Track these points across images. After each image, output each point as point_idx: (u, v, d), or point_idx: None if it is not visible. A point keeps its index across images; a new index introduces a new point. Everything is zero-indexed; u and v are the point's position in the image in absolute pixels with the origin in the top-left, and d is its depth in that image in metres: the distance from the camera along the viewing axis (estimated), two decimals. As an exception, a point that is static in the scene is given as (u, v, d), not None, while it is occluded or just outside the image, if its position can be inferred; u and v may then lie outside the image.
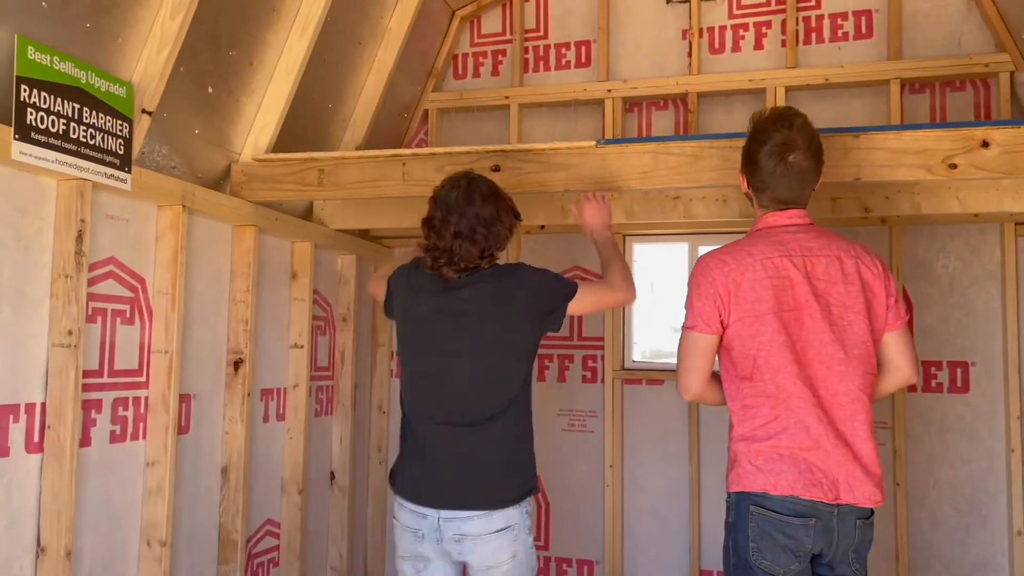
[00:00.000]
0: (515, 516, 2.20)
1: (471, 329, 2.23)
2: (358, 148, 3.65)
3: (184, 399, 2.73)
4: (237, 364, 2.97)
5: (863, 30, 3.68)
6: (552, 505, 3.92)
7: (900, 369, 2.10)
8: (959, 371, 3.48)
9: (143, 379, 2.58)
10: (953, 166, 2.47)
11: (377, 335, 4.10)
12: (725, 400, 2.13)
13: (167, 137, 2.70)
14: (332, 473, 3.72)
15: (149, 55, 2.45)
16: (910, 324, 2.40)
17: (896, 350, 2.09)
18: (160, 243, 2.63)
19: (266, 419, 3.22)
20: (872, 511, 2.00)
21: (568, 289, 2.34)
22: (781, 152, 2.06)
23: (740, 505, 2.00)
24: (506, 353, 2.24)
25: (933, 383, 3.50)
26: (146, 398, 2.59)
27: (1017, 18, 3.30)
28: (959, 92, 3.58)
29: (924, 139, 2.50)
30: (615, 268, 2.49)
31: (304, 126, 3.31)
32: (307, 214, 3.50)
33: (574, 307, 2.34)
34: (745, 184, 2.20)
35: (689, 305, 2.10)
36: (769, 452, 1.97)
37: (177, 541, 2.67)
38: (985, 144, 2.46)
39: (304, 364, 3.35)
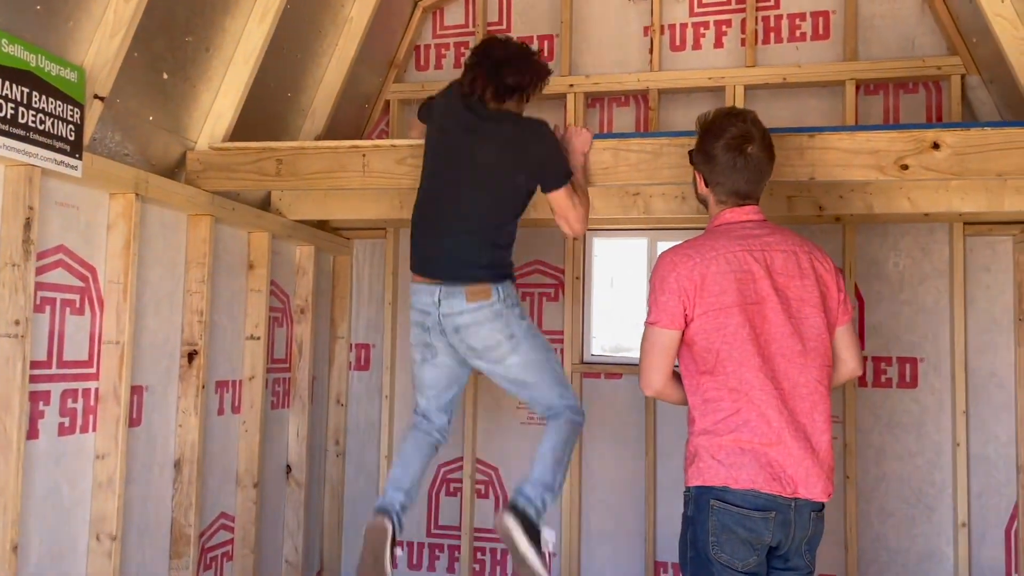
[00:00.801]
0: (497, 303, 2.50)
1: (485, 158, 2.55)
2: (317, 138, 3.61)
3: (136, 391, 2.68)
4: (191, 355, 2.92)
5: (820, 31, 3.74)
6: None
7: (846, 362, 2.17)
8: (908, 367, 3.56)
9: (93, 370, 2.53)
10: (905, 167, 2.53)
11: (336, 327, 4.07)
12: (685, 399, 2.15)
13: (120, 123, 2.64)
14: (288, 466, 3.68)
15: (102, 39, 2.39)
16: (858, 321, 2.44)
17: (844, 344, 2.15)
18: (112, 232, 2.58)
19: (221, 411, 3.18)
20: (823, 504, 2.04)
21: (561, 178, 2.55)
22: (739, 144, 2.11)
23: (700, 499, 2.02)
24: (504, 182, 2.56)
25: (883, 378, 3.58)
26: (96, 390, 2.54)
27: (969, 22, 3.38)
28: (912, 94, 3.66)
29: (877, 140, 2.55)
30: (583, 200, 2.62)
31: (262, 115, 3.26)
32: (265, 204, 3.46)
33: (551, 195, 2.56)
34: (702, 183, 2.21)
35: (653, 301, 2.11)
36: (731, 446, 1.99)
37: (128, 535, 2.62)
38: (936, 146, 2.52)
39: (260, 356, 3.32)
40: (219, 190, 3.02)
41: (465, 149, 2.58)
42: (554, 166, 2.55)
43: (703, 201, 2.26)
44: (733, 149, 2.12)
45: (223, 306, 3.16)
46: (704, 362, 2.05)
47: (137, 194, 2.59)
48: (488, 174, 2.56)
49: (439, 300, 2.53)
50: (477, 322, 2.50)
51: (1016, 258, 3.44)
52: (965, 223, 3.49)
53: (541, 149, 2.55)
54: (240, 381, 3.29)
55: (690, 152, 2.27)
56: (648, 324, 2.12)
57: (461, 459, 3.96)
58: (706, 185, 2.20)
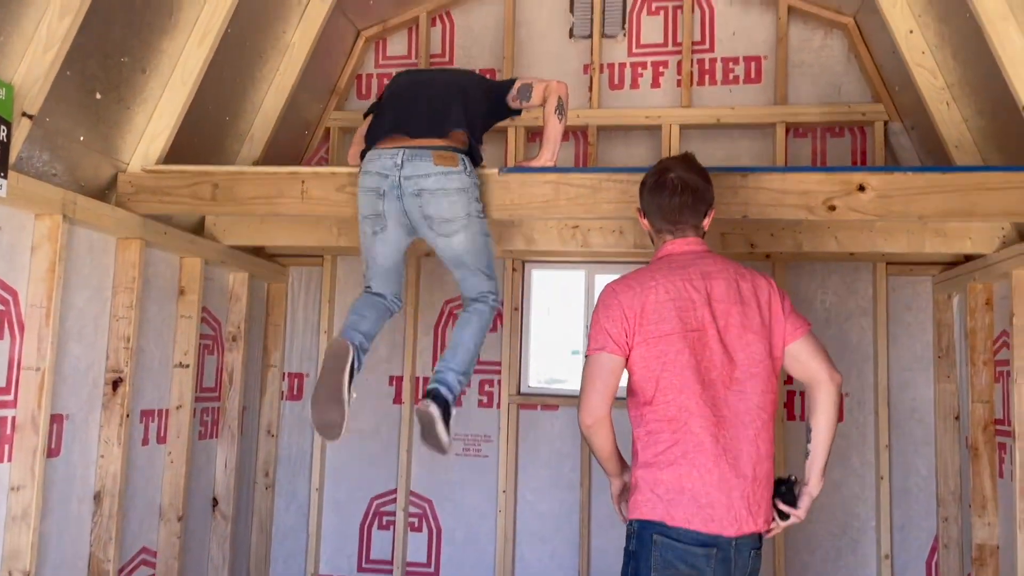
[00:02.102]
0: (464, 176, 2.58)
1: (445, 78, 2.85)
2: (255, 163, 3.56)
3: (56, 419, 2.57)
4: (116, 383, 2.82)
5: (752, 75, 3.87)
6: (444, 531, 3.89)
7: (817, 372, 2.11)
8: (834, 401, 3.66)
9: (11, 397, 2.42)
10: (832, 207, 2.63)
11: (268, 355, 3.99)
12: (613, 449, 2.13)
13: (49, 143, 2.56)
14: (215, 499, 3.57)
15: (33, 56, 2.33)
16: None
17: (808, 355, 2.11)
18: (36, 254, 2.48)
19: (145, 442, 3.07)
20: (762, 542, 2.05)
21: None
22: (661, 172, 2.22)
23: (643, 533, 2.00)
24: (464, 92, 2.75)
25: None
26: (13, 418, 2.42)
27: (891, 71, 3.54)
28: (839, 138, 3.81)
29: (806, 181, 2.65)
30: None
31: (198, 138, 3.21)
32: (198, 228, 3.38)
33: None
34: (644, 221, 2.27)
35: (597, 328, 2.11)
36: (670, 482, 1.99)
37: (42, 571, 2.50)
38: (862, 188, 2.63)
39: (189, 384, 3.22)
40: (151, 213, 2.94)
41: (425, 81, 2.85)
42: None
43: (650, 236, 2.32)
44: (655, 176, 2.23)
45: (151, 332, 3.07)
46: (644, 392, 2.06)
47: (64, 215, 2.51)
48: (450, 87, 2.78)
49: (402, 162, 2.56)
50: (443, 189, 2.55)
51: (935, 298, 3.59)
52: (888, 263, 3.63)
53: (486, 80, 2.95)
54: (167, 410, 3.19)
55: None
56: (592, 352, 2.11)
57: (395, 491, 3.91)
58: (645, 217, 2.27)
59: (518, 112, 2.93)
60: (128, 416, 2.84)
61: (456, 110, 2.69)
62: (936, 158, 3.40)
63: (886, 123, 3.70)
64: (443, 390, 2.56)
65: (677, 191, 2.18)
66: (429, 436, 2.52)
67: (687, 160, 2.26)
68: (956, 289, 3.43)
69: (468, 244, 2.64)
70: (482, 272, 2.71)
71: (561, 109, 2.81)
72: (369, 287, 2.77)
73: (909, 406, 3.61)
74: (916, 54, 3.19)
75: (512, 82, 2.88)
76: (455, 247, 2.65)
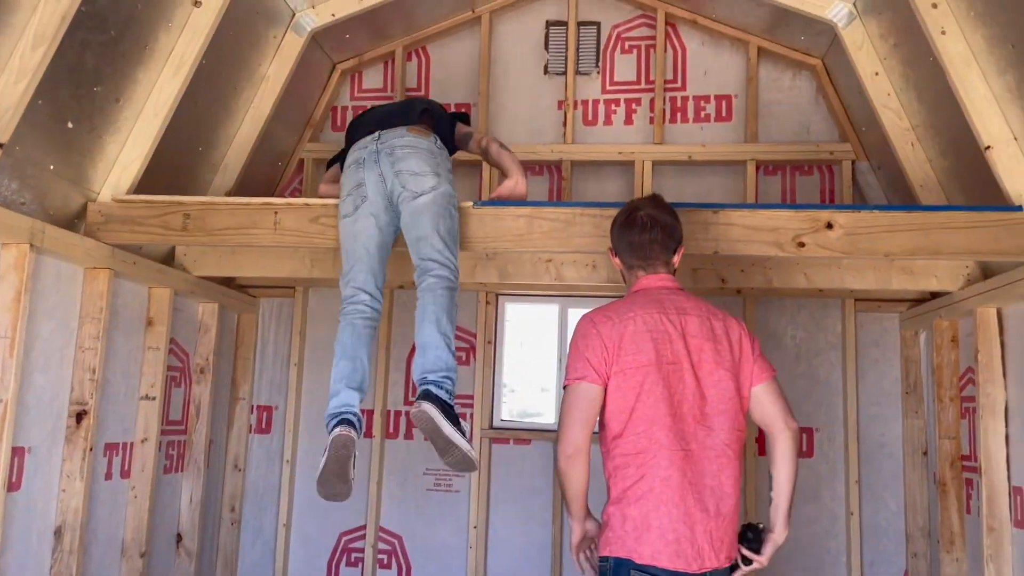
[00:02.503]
0: (434, 146, 2.71)
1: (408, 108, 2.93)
2: (228, 194, 3.55)
3: (17, 452, 2.51)
4: (80, 416, 2.76)
5: (724, 113, 3.94)
6: (413, 567, 3.83)
7: (776, 419, 2.15)
8: (804, 437, 3.69)
9: (-30, 430, 2.36)
10: (801, 244, 2.67)
11: (237, 388, 3.93)
12: (585, 486, 2.09)
13: (18, 171, 2.53)
14: (179, 535, 3.49)
15: (5, 85, 2.31)
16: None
17: (770, 400, 2.16)
18: (2, 283, 2.44)
19: (109, 476, 3.00)
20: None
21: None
22: (631, 211, 2.30)
23: (619, 570, 2.00)
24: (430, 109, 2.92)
25: (781, 447, 3.68)
26: (-28, 451, 2.36)
27: (858, 112, 3.62)
28: (807, 176, 3.88)
29: (776, 218, 2.69)
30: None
31: (171, 168, 3.19)
32: (168, 259, 3.35)
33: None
34: (616, 260, 2.34)
35: (576, 358, 2.11)
36: (638, 518, 1.99)
37: (-3, 611, 2.42)
38: (830, 226, 2.68)
39: (155, 417, 3.17)
40: (121, 243, 2.91)
41: (387, 106, 3.07)
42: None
43: (622, 274, 2.37)
44: (625, 214, 2.30)
45: (118, 364, 3.02)
46: (617, 424, 2.06)
47: (32, 245, 2.47)
48: (413, 102, 2.98)
49: (379, 135, 2.72)
50: (415, 147, 2.67)
51: (903, 334, 3.64)
52: (856, 300, 3.68)
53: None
54: (132, 443, 3.13)
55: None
56: (571, 382, 2.10)
57: (364, 527, 3.85)
58: (617, 255, 2.32)
59: (455, 149, 3.00)
60: (92, 449, 2.78)
61: (422, 109, 2.86)
62: (902, 197, 3.48)
63: (853, 162, 3.78)
64: (432, 388, 2.41)
65: (647, 227, 2.24)
66: (442, 445, 2.34)
67: (655, 199, 2.34)
68: (923, 326, 3.49)
69: (432, 206, 2.59)
70: (443, 241, 2.58)
71: (504, 146, 2.93)
72: (350, 287, 2.69)
73: (878, 441, 3.64)
74: (882, 96, 3.27)
75: (462, 117, 3.07)
76: (420, 209, 2.59)
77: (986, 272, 2.98)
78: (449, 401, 2.41)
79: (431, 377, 2.43)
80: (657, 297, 2.17)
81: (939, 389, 3.26)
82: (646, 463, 2.02)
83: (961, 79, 2.68)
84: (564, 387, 2.13)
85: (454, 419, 2.39)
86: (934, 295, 3.30)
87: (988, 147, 2.66)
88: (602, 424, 2.12)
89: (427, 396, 2.38)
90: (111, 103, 2.80)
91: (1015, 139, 2.62)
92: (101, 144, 2.85)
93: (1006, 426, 2.81)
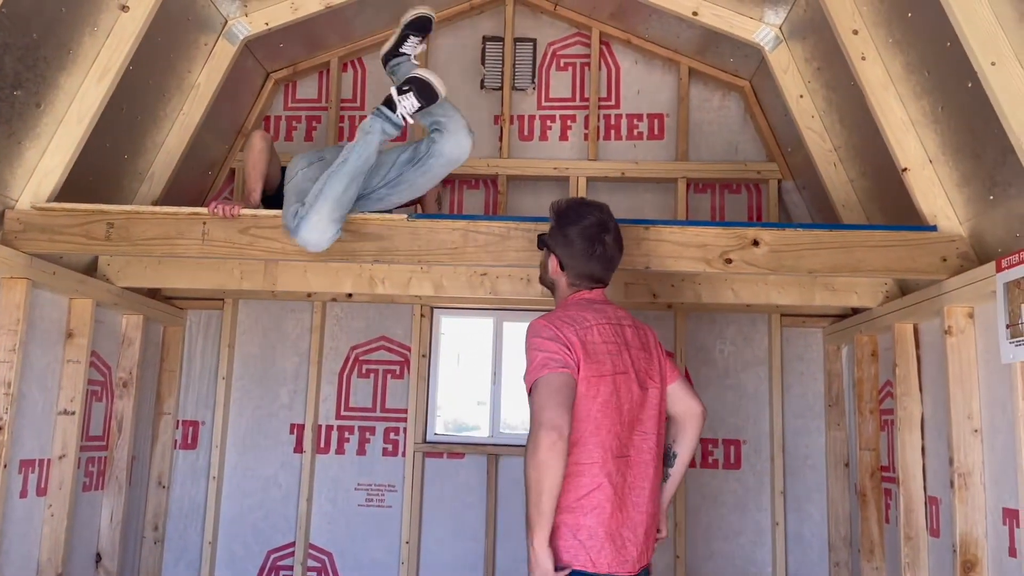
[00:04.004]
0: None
1: None
2: (155, 203, 3.46)
3: (-78, 471, 2.39)
4: (-7, 432, 2.65)
5: (656, 131, 4.02)
6: (344, 585, 3.77)
7: (692, 406, 2.28)
8: (732, 448, 3.76)
9: None
10: (729, 260, 2.73)
11: (162, 403, 3.82)
12: (562, 477, 1.98)
13: (-71, 176, 2.43)
14: (98, 554, 3.37)
15: (-85, 85, 2.22)
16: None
17: (684, 392, 2.28)
18: (-92, 293, 2.33)
19: (24, 494, 2.88)
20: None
21: None
22: (598, 232, 2.23)
23: None
24: None
25: (710, 459, 3.76)
26: None
27: (784, 133, 3.74)
28: (736, 194, 3.98)
29: (704, 235, 2.75)
30: None
31: (94, 176, 3.09)
32: (91, 269, 3.24)
33: None
34: (557, 266, 2.27)
35: (545, 354, 2.03)
36: (592, 527, 2.01)
37: (-103, 639, 2.30)
38: (756, 243, 2.75)
39: (74, 433, 3.05)
40: (40, 252, 2.81)
41: None
42: None
43: (550, 284, 2.34)
44: (592, 237, 2.23)
45: (35, 377, 2.91)
46: (577, 431, 2.03)
47: (-58, 253, 2.37)
48: None
49: None
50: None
51: (826, 348, 3.75)
52: (782, 315, 3.78)
53: None
54: (49, 460, 3.01)
55: (542, 236, 2.35)
56: (554, 371, 2.00)
57: (292, 544, 3.77)
58: (561, 268, 2.27)
59: None
60: (5, 466, 2.67)
61: None
62: (825, 216, 3.59)
63: (780, 181, 3.89)
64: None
65: (618, 242, 2.27)
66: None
67: (616, 226, 2.29)
68: (845, 341, 3.60)
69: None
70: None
71: None
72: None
73: (803, 453, 3.74)
74: (806, 118, 3.38)
75: None
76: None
77: (904, 289, 3.10)
78: (383, 111, 2.78)
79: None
80: (602, 308, 2.20)
81: (859, 402, 3.36)
82: (599, 472, 2.03)
83: (880, 103, 2.80)
84: (534, 381, 2.01)
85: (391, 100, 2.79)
86: (855, 311, 3.41)
87: (905, 169, 2.77)
88: (576, 421, 2.06)
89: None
90: (31, 108, 2.71)
91: (930, 162, 2.74)
92: (20, 150, 2.76)
93: (922, 438, 2.92)
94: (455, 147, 2.82)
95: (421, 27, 3.06)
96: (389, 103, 2.79)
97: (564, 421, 1.94)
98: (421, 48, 3.12)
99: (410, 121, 2.80)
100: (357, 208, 2.86)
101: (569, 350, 2.05)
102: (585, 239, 2.23)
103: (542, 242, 2.36)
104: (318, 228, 2.63)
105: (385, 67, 3.11)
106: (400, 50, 3.08)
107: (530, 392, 2.03)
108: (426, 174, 2.88)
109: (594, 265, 2.24)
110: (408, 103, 2.77)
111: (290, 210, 2.74)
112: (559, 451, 1.91)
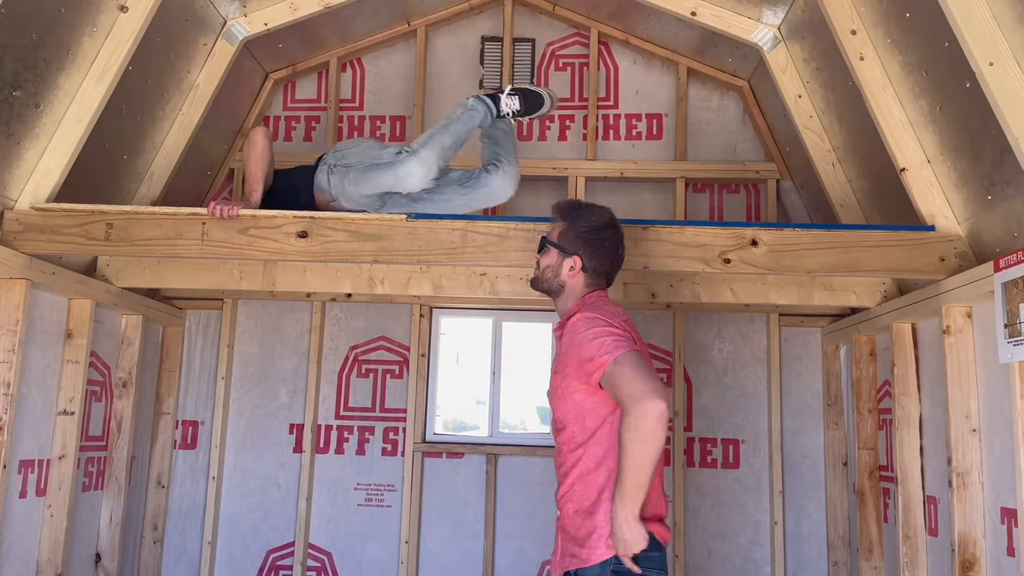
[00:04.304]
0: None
1: None
2: (154, 203, 3.46)
3: (-78, 472, 2.40)
4: (-7, 432, 2.65)
5: (654, 131, 4.03)
6: (343, 584, 3.78)
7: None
8: (731, 448, 3.77)
9: None
10: (727, 260, 2.74)
11: (161, 402, 3.82)
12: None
13: (-72, 176, 2.43)
14: (98, 555, 3.37)
15: (-86, 86, 2.22)
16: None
17: None
18: (-92, 293, 2.33)
19: (23, 494, 2.88)
20: None
21: None
22: (622, 236, 2.32)
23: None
24: None
25: (709, 459, 3.76)
26: None
27: (783, 133, 3.74)
28: (734, 194, 3.99)
29: (703, 235, 2.76)
30: None
31: (94, 177, 3.10)
32: (90, 269, 3.25)
33: None
34: (580, 267, 2.24)
35: (609, 334, 2.02)
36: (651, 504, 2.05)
37: (-102, 639, 2.30)
38: (754, 243, 2.75)
39: (73, 433, 3.05)
40: (39, 253, 2.81)
41: None
42: None
43: (558, 287, 2.27)
44: (616, 237, 2.30)
45: (34, 378, 2.91)
46: (610, 425, 2.05)
47: (-58, 253, 2.37)
48: None
49: None
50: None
51: (825, 348, 3.75)
52: (781, 315, 3.79)
53: None
54: (48, 460, 3.01)
55: (552, 239, 2.30)
56: (623, 353, 1.98)
57: (292, 544, 3.78)
58: (583, 269, 2.24)
59: None
60: (5, 467, 2.67)
61: None
62: (824, 216, 3.60)
63: (778, 181, 3.90)
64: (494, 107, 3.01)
65: (622, 258, 2.33)
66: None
67: None
68: (843, 340, 3.61)
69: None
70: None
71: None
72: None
73: (801, 452, 3.74)
74: (804, 118, 3.39)
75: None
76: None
77: (902, 289, 3.10)
78: (486, 99, 3.01)
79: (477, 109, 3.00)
80: (616, 305, 2.22)
81: (858, 402, 3.37)
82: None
83: (878, 103, 2.80)
84: (616, 359, 1.97)
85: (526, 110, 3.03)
86: (854, 311, 3.42)
87: (903, 169, 2.77)
88: (587, 423, 2.07)
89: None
90: (30, 109, 2.71)
91: (928, 162, 2.75)
92: (19, 151, 2.76)
93: (920, 438, 2.93)
94: (501, 186, 2.98)
95: (532, 106, 3.05)
96: (494, 97, 3.02)
97: (663, 388, 1.94)
98: (510, 112, 3.06)
99: (503, 112, 3.02)
100: (390, 202, 2.94)
101: (630, 336, 2.07)
102: (612, 239, 2.28)
103: (552, 244, 2.29)
104: (427, 163, 2.87)
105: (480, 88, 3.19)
106: (499, 99, 3.05)
107: (601, 373, 2.00)
108: (464, 196, 2.97)
109: (615, 264, 2.30)
110: (512, 102, 3.00)
111: (388, 150, 2.97)
112: (666, 421, 1.91)
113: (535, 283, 2.36)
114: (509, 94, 3.02)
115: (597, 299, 2.22)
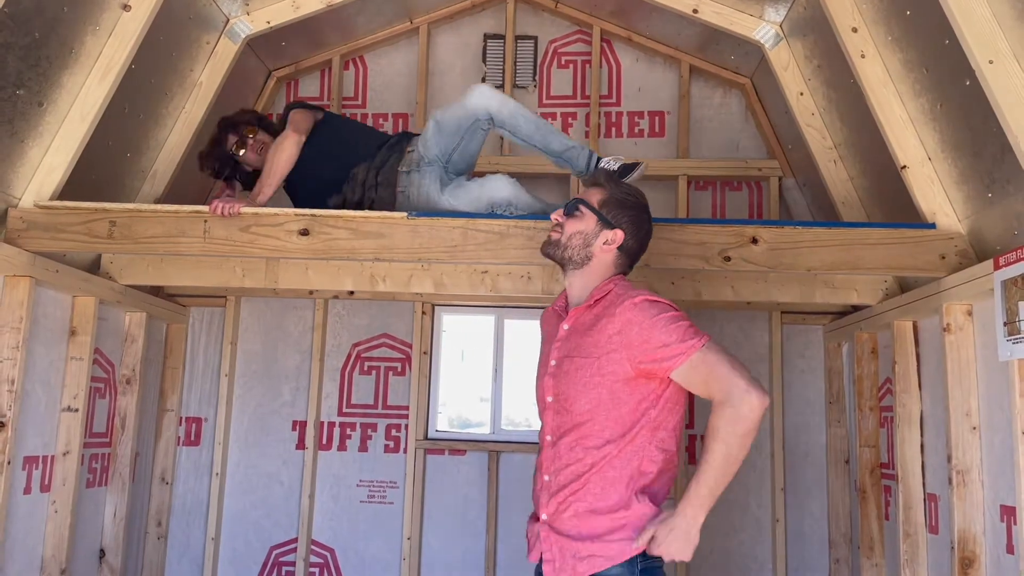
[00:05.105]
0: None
1: None
2: (157, 201, 3.47)
3: (-73, 468, 2.42)
4: (-3, 428, 2.67)
5: (656, 129, 4.03)
6: (346, 581, 3.80)
7: None
8: (733, 445, 3.76)
9: None
10: (727, 258, 2.74)
11: (165, 399, 3.84)
12: None
13: (-68, 175, 2.44)
14: (102, 550, 3.39)
15: (-82, 85, 2.23)
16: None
17: None
18: (-87, 291, 2.35)
19: (28, 490, 2.90)
20: None
21: None
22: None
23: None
24: None
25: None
26: None
27: (785, 131, 3.74)
28: (737, 191, 3.99)
29: (703, 232, 2.76)
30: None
31: (97, 175, 3.11)
32: (94, 267, 3.26)
33: None
34: (620, 240, 2.04)
35: (683, 320, 1.88)
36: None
37: (-97, 633, 2.32)
38: (755, 241, 2.75)
39: (77, 430, 3.07)
40: (43, 251, 2.83)
41: None
42: None
43: (586, 256, 2.04)
44: (651, 229, 2.14)
45: (38, 375, 2.93)
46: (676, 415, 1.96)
47: (-54, 251, 2.39)
48: None
49: None
50: None
51: (826, 346, 3.75)
52: (783, 312, 3.79)
53: None
54: (52, 457, 3.03)
55: (601, 202, 2.06)
56: (706, 341, 1.83)
57: (295, 540, 3.80)
58: (619, 247, 2.05)
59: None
60: (9, 463, 2.69)
61: None
62: (825, 213, 3.60)
63: (780, 179, 3.90)
64: (588, 171, 2.89)
65: None
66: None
67: None
68: (845, 338, 3.61)
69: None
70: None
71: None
72: None
73: (803, 450, 3.74)
74: (806, 115, 3.38)
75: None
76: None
77: (903, 287, 3.10)
78: (592, 168, 2.90)
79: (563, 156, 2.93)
80: None
81: (860, 399, 3.37)
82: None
83: (879, 101, 2.80)
84: (701, 346, 1.82)
85: (620, 174, 2.84)
86: (855, 308, 3.41)
87: (904, 167, 2.77)
88: (671, 408, 1.93)
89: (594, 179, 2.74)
90: (34, 107, 2.73)
91: (929, 159, 2.74)
92: (23, 149, 2.77)
93: (921, 435, 2.92)
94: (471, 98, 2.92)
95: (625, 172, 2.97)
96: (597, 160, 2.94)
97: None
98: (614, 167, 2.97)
99: (592, 165, 2.93)
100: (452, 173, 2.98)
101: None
102: (650, 224, 2.12)
103: (592, 209, 2.05)
104: (509, 104, 2.90)
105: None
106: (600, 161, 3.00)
107: (684, 360, 1.84)
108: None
109: (642, 252, 2.12)
110: (611, 162, 2.91)
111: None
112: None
113: (552, 248, 2.08)
114: (615, 162, 2.91)
115: (631, 286, 1.99)
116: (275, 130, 3.16)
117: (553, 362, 2.01)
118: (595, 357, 1.90)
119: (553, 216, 2.11)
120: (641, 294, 1.92)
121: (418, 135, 3.03)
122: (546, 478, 1.96)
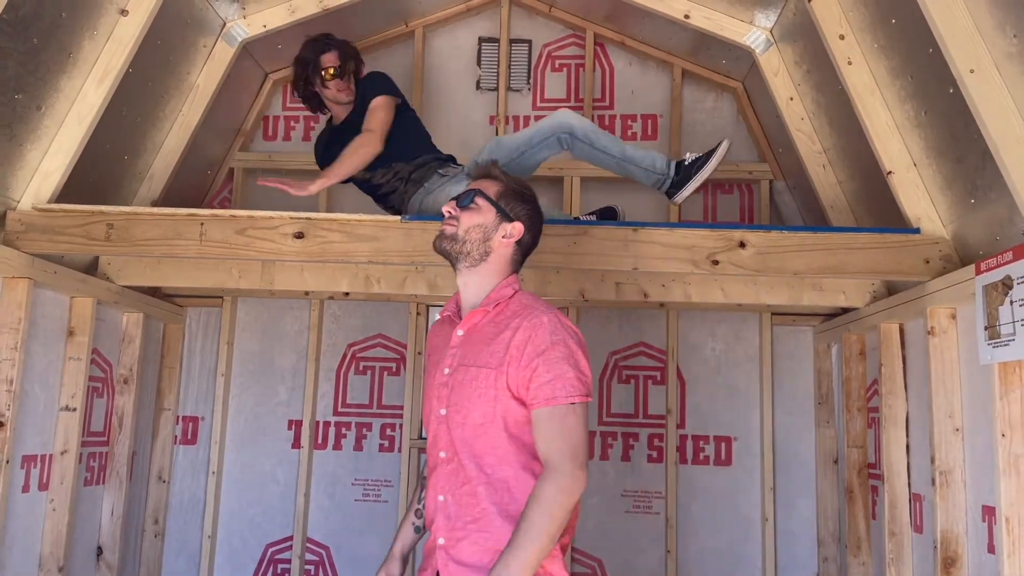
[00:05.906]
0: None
1: None
2: (155, 203, 3.52)
3: (-73, 467, 2.46)
4: (-4, 428, 2.71)
5: (649, 132, 4.07)
6: (341, 578, 3.84)
7: None
8: (723, 445, 3.82)
9: None
10: (715, 262, 2.78)
11: (162, 399, 3.88)
12: None
13: (-68, 178, 2.48)
14: (100, 548, 3.44)
15: (-82, 91, 2.27)
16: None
17: None
18: (-87, 293, 2.39)
19: (26, 489, 2.94)
20: None
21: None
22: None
23: None
24: None
25: (701, 456, 3.81)
26: None
27: (775, 134, 3.78)
28: (728, 194, 4.03)
29: (692, 236, 2.80)
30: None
31: (95, 177, 3.15)
32: (91, 268, 3.30)
33: None
34: (520, 234, 1.97)
35: (578, 367, 1.77)
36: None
37: (-97, 629, 2.36)
38: (742, 244, 2.80)
39: (75, 429, 3.11)
40: (41, 253, 2.87)
41: None
42: None
43: (484, 252, 1.93)
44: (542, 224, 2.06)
45: (37, 375, 2.97)
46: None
47: (-55, 254, 2.42)
48: None
49: None
50: None
51: (816, 347, 3.80)
52: (772, 314, 3.83)
53: None
54: (51, 455, 3.07)
55: (498, 193, 1.98)
56: (580, 403, 1.75)
57: (290, 538, 3.84)
58: (518, 242, 1.98)
59: None
60: (8, 462, 2.73)
61: None
62: (815, 216, 3.64)
63: (771, 182, 3.94)
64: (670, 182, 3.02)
65: None
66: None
67: None
68: (834, 340, 3.65)
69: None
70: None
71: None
72: None
73: (792, 450, 3.79)
74: (796, 120, 3.42)
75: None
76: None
77: (890, 290, 3.14)
78: (672, 172, 3.01)
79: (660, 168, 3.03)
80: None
81: (848, 400, 3.41)
82: None
83: (865, 107, 2.84)
84: (573, 404, 1.74)
85: (690, 170, 2.97)
86: (844, 310, 3.46)
87: (890, 172, 2.81)
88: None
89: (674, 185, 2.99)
90: (32, 111, 2.76)
91: (914, 165, 2.79)
92: (21, 152, 2.81)
93: (907, 436, 2.97)
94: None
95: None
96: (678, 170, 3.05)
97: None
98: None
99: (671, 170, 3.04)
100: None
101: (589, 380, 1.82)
102: (541, 220, 2.03)
103: (489, 200, 1.95)
104: (587, 121, 3.12)
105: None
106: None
107: (549, 405, 1.74)
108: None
109: (533, 249, 2.03)
110: (690, 157, 3.04)
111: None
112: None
113: (447, 242, 1.94)
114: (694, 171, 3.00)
115: (539, 299, 1.92)
116: (356, 72, 3.37)
117: (447, 370, 1.87)
118: (492, 367, 1.80)
119: (445, 208, 1.98)
120: (550, 312, 1.84)
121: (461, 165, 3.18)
122: (441, 498, 1.82)
